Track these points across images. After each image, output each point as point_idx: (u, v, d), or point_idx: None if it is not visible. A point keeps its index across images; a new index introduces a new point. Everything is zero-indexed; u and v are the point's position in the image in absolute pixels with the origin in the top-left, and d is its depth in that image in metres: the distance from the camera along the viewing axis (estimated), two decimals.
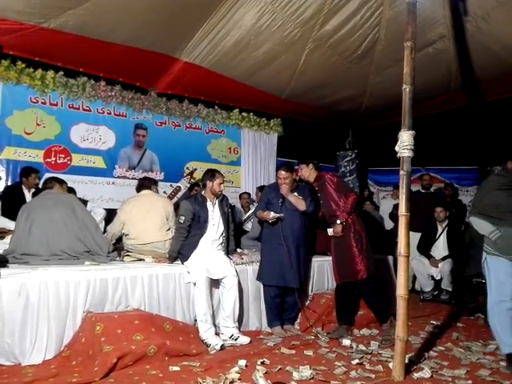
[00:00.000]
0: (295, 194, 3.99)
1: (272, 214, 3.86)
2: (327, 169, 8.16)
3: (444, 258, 5.39)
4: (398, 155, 2.98)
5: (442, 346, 3.62)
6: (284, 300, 4.02)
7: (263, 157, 7.16)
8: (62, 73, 5.19)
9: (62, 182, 4.05)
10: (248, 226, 5.49)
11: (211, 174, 3.90)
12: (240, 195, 6.32)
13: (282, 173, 3.94)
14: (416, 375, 2.87)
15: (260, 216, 4.03)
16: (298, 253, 3.93)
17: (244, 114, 6.87)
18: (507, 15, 4.61)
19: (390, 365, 2.94)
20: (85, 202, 4.54)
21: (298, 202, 3.97)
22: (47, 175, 4.94)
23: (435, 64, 5.62)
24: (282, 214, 3.87)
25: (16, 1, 3.87)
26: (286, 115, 7.25)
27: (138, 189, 4.32)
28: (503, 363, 3.16)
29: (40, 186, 4.43)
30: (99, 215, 4.52)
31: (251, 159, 7.03)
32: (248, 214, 5.72)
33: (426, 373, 2.88)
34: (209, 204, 3.86)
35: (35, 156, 5.15)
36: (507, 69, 5.52)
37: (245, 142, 7.00)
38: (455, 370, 2.98)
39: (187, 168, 6.35)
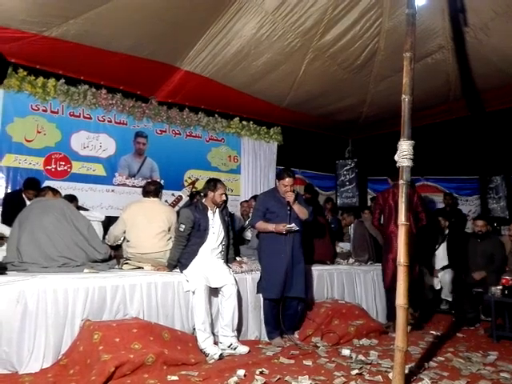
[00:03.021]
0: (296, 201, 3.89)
1: (288, 226, 3.70)
2: (326, 177, 8.21)
3: (444, 268, 5.38)
4: (398, 165, 2.98)
5: (442, 356, 3.59)
6: (284, 310, 3.95)
7: (263, 165, 7.17)
8: (63, 81, 5.21)
9: (55, 191, 4.10)
10: (247, 235, 5.48)
11: (213, 184, 3.87)
12: (240, 203, 6.32)
13: (289, 180, 3.78)
14: None
15: (272, 228, 3.76)
16: (299, 262, 3.87)
17: (244, 122, 6.89)
18: (506, 26, 4.66)
19: (390, 375, 2.92)
20: (85, 210, 4.54)
21: (302, 210, 3.86)
22: (47, 183, 4.95)
23: (434, 74, 5.66)
24: (293, 225, 3.72)
25: (18, 10, 3.91)
26: (285, 124, 7.27)
27: (146, 194, 4.23)
28: (503, 374, 3.15)
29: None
30: (98, 219, 4.51)
31: (251, 167, 7.04)
32: (248, 221, 5.71)
33: (425, 383, 2.87)
34: (209, 213, 3.85)
35: (35, 163, 5.15)
36: (507, 79, 5.55)
37: (245, 150, 7.02)
38: (455, 381, 2.96)
39: (189, 178, 6.34)
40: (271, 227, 3.78)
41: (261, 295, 3.98)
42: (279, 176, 3.94)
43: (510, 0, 4.35)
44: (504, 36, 4.80)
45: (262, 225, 3.88)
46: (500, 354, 3.69)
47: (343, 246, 5.66)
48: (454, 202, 7.25)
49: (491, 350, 3.82)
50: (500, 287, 4.22)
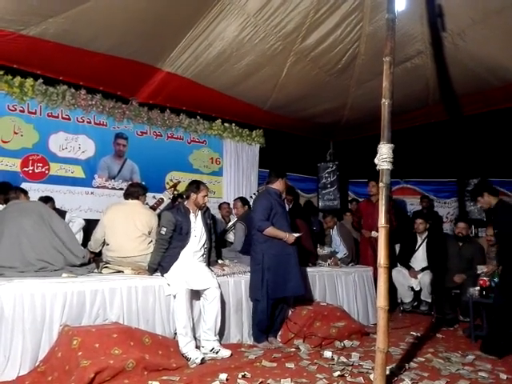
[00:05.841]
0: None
1: (296, 235, 3.95)
2: (308, 180, 8.26)
3: (423, 270, 5.46)
4: (378, 168, 3.01)
5: (422, 356, 3.64)
6: (274, 312, 3.98)
7: (245, 167, 7.15)
8: (41, 81, 5.09)
9: (26, 192, 4.02)
10: (229, 237, 5.45)
11: (196, 185, 3.86)
12: (220, 205, 6.28)
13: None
14: None
15: (284, 237, 3.86)
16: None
17: (226, 124, 6.86)
18: (482, 33, 4.76)
19: (371, 376, 2.95)
20: (63, 213, 4.45)
21: None
22: (24, 185, 4.83)
23: (413, 79, 5.75)
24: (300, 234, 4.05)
25: None
26: (268, 126, 7.27)
27: (126, 196, 4.23)
28: (481, 373, 3.21)
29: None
30: (78, 225, 4.45)
31: (233, 170, 7.01)
32: (230, 224, 5.69)
33: None
34: (191, 215, 3.82)
35: (12, 165, 5.01)
36: (483, 84, 5.67)
37: (227, 152, 6.98)
38: (435, 381, 3.00)
39: (171, 180, 6.27)
40: (283, 235, 3.86)
41: (243, 296, 3.99)
42: (282, 174, 4.10)
43: (487, 9, 4.45)
44: (480, 42, 4.91)
45: (273, 231, 3.85)
46: (478, 354, 3.75)
47: (326, 249, 5.69)
48: (431, 204, 7.38)
49: (470, 350, 3.89)
50: (478, 288, 4.31)
